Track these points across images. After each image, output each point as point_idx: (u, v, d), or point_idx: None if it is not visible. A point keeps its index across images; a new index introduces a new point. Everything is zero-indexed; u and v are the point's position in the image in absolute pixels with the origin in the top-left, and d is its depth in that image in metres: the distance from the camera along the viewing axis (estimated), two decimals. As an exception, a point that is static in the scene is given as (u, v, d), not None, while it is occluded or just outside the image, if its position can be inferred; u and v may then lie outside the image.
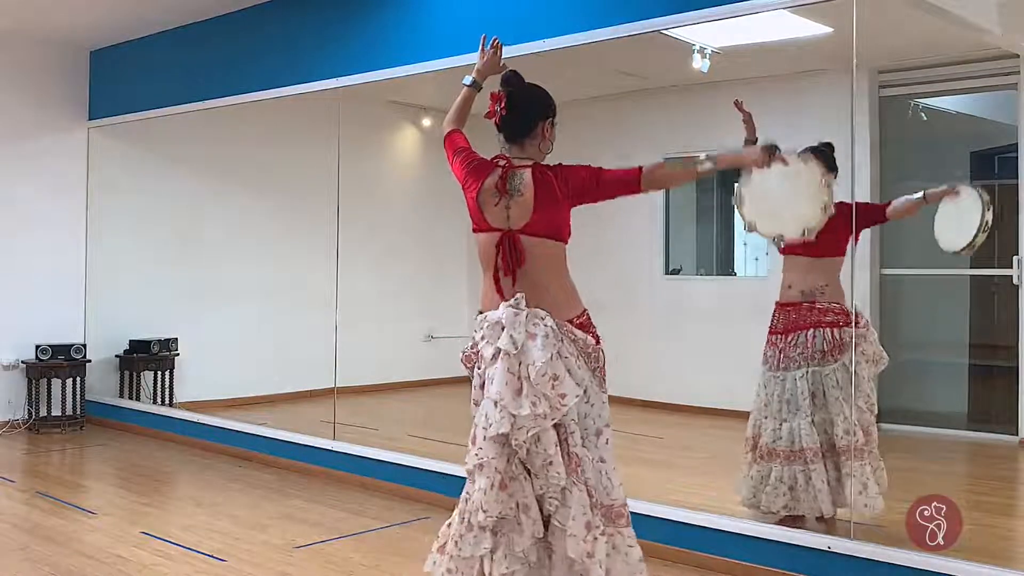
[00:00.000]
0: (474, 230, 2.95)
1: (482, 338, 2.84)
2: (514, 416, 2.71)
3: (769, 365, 4.27)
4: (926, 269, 5.64)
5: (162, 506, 5.18)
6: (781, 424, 4.16)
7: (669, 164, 2.81)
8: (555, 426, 2.75)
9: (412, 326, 8.33)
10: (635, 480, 5.05)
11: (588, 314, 2.90)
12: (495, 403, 2.73)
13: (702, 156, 2.72)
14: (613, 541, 2.80)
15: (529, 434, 2.71)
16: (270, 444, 6.04)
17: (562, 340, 2.77)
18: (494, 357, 2.78)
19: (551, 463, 2.72)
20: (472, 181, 2.93)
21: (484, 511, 2.74)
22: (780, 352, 4.23)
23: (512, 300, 2.80)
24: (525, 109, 2.92)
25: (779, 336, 4.26)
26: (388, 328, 8.04)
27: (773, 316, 4.31)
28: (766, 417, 4.24)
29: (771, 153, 2.78)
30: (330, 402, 5.92)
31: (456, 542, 2.82)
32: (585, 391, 2.79)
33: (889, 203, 4.20)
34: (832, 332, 4.13)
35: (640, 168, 2.80)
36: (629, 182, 2.82)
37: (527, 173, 2.86)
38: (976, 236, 3.97)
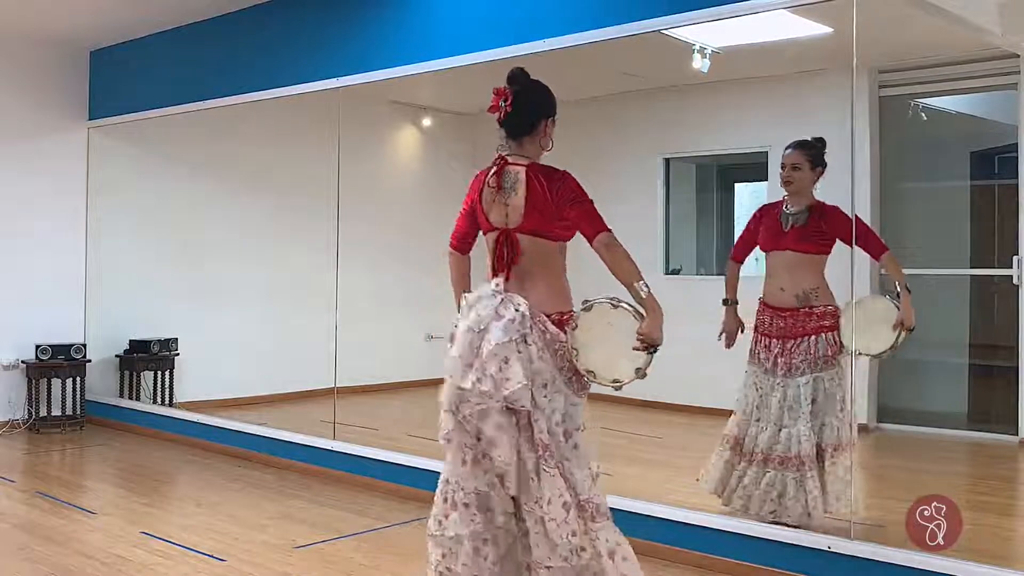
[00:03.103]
0: (483, 232, 3.02)
1: (459, 316, 2.91)
2: (461, 390, 2.77)
3: (762, 368, 4.25)
4: (926, 269, 5.64)
5: (162, 506, 5.18)
6: (780, 430, 4.13)
7: (621, 258, 2.78)
8: (510, 411, 2.76)
9: (412, 326, 8.31)
10: (635, 480, 5.07)
11: (574, 317, 2.89)
12: (449, 376, 2.81)
13: (644, 287, 2.74)
14: (589, 536, 2.80)
15: (474, 409, 2.76)
16: (270, 444, 6.04)
17: (531, 329, 2.79)
18: (465, 332, 2.84)
19: (494, 445, 2.75)
20: (474, 192, 3.00)
21: (462, 488, 2.81)
22: (778, 357, 4.20)
23: (493, 283, 2.86)
24: (529, 107, 2.94)
25: (775, 340, 4.23)
26: (388, 328, 8.03)
27: (763, 317, 4.29)
28: (757, 420, 4.22)
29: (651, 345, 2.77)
30: (330, 402, 5.92)
31: (440, 521, 2.87)
32: (546, 385, 2.79)
33: (887, 250, 4.16)
34: (832, 336, 4.13)
35: (605, 232, 2.79)
36: (587, 234, 2.82)
37: (521, 172, 2.90)
38: (895, 344, 4.07)
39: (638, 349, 2.74)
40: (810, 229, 4.18)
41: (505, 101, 2.92)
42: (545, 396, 2.79)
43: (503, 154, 2.96)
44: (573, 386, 2.86)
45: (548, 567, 2.75)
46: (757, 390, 4.26)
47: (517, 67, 2.99)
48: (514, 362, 2.74)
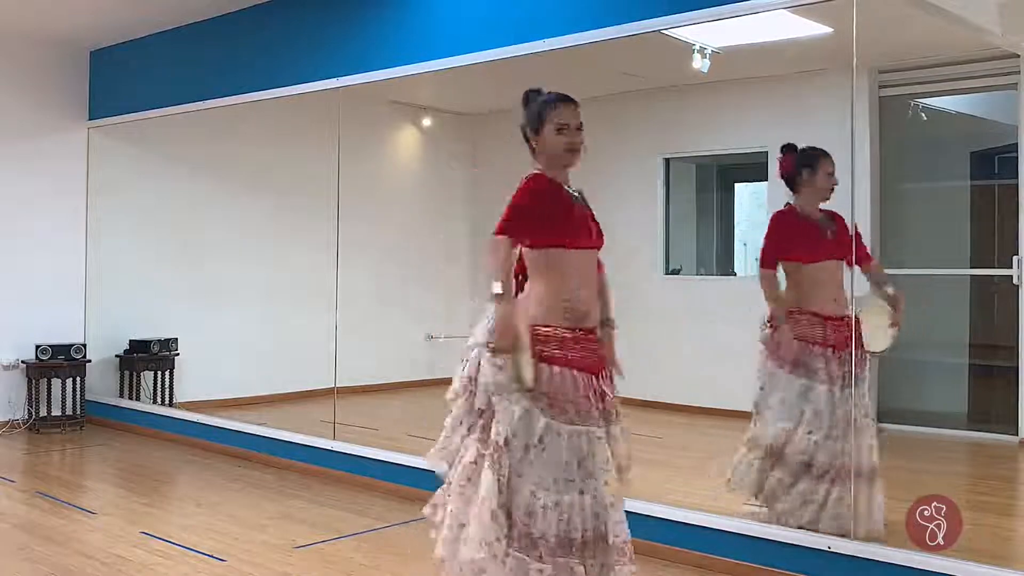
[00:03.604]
0: None
1: None
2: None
3: (815, 378, 4.13)
4: (926, 269, 5.65)
5: (162, 506, 5.18)
6: (840, 441, 4.03)
7: (488, 255, 2.82)
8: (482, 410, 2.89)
9: (412, 326, 8.32)
10: (635, 480, 5.05)
11: (539, 330, 2.88)
12: None
13: (498, 288, 2.78)
14: (514, 560, 2.78)
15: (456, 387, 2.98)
16: (270, 444, 6.04)
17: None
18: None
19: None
20: None
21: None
22: (835, 367, 4.11)
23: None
24: (521, 127, 3.07)
25: (831, 350, 4.12)
26: (388, 328, 8.03)
27: (815, 329, 4.16)
28: (810, 432, 4.09)
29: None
30: (330, 402, 5.92)
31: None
32: (502, 394, 2.84)
33: (874, 261, 4.20)
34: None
35: (497, 234, 2.84)
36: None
37: None
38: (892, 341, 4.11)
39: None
40: (839, 237, 4.19)
41: None
42: (497, 405, 2.84)
43: None
44: (540, 400, 2.84)
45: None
46: (806, 400, 4.15)
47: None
48: (468, 362, 2.93)
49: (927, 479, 5.02)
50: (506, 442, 2.78)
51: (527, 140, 3.03)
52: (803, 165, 4.22)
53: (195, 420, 6.67)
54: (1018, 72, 5.35)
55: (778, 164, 4.29)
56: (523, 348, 2.73)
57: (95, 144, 7.55)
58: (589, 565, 2.82)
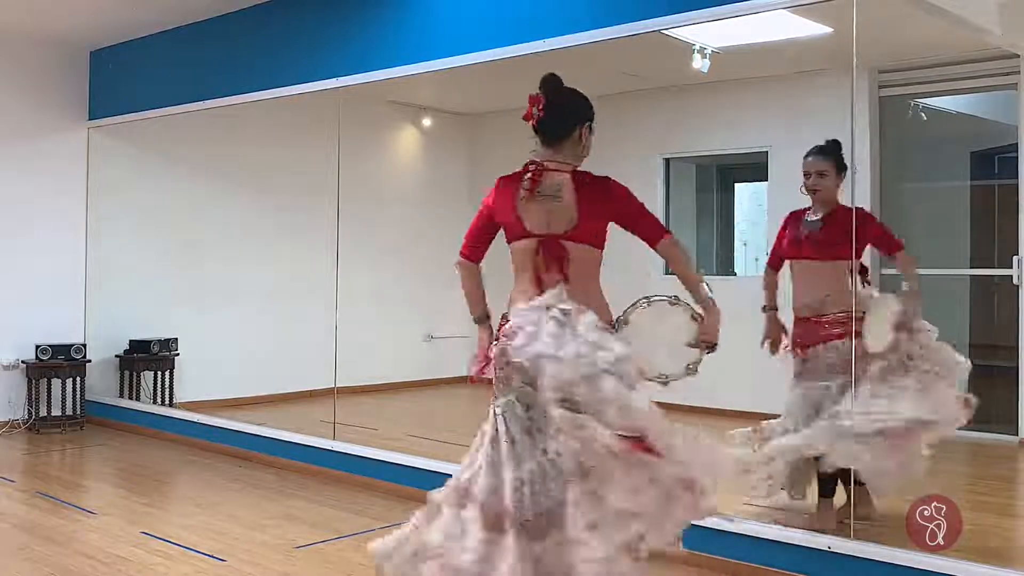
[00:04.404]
0: (509, 240, 2.96)
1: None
2: None
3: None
4: (926, 269, 5.64)
5: (162, 506, 5.18)
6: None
7: (684, 256, 2.94)
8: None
9: (412, 326, 8.32)
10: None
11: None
12: None
13: (708, 290, 2.91)
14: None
15: None
16: (270, 444, 6.04)
17: None
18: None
19: None
20: (504, 199, 2.94)
21: None
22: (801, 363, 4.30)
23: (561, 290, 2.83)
24: (563, 112, 2.94)
25: (797, 349, 4.34)
26: (388, 328, 8.03)
27: (796, 326, 4.34)
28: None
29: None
30: (330, 402, 5.92)
31: None
32: None
33: (902, 248, 4.18)
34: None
35: (669, 235, 2.90)
36: (651, 238, 2.91)
37: (565, 177, 2.88)
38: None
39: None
40: (823, 235, 4.16)
41: (538, 107, 2.91)
42: None
43: (539, 159, 2.93)
44: None
45: None
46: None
47: (549, 72, 2.98)
48: None
49: (927, 479, 5.02)
50: None
51: (575, 131, 2.98)
52: None
53: (195, 420, 6.66)
54: (1018, 72, 5.35)
55: None
56: None
57: (95, 144, 7.55)
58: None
